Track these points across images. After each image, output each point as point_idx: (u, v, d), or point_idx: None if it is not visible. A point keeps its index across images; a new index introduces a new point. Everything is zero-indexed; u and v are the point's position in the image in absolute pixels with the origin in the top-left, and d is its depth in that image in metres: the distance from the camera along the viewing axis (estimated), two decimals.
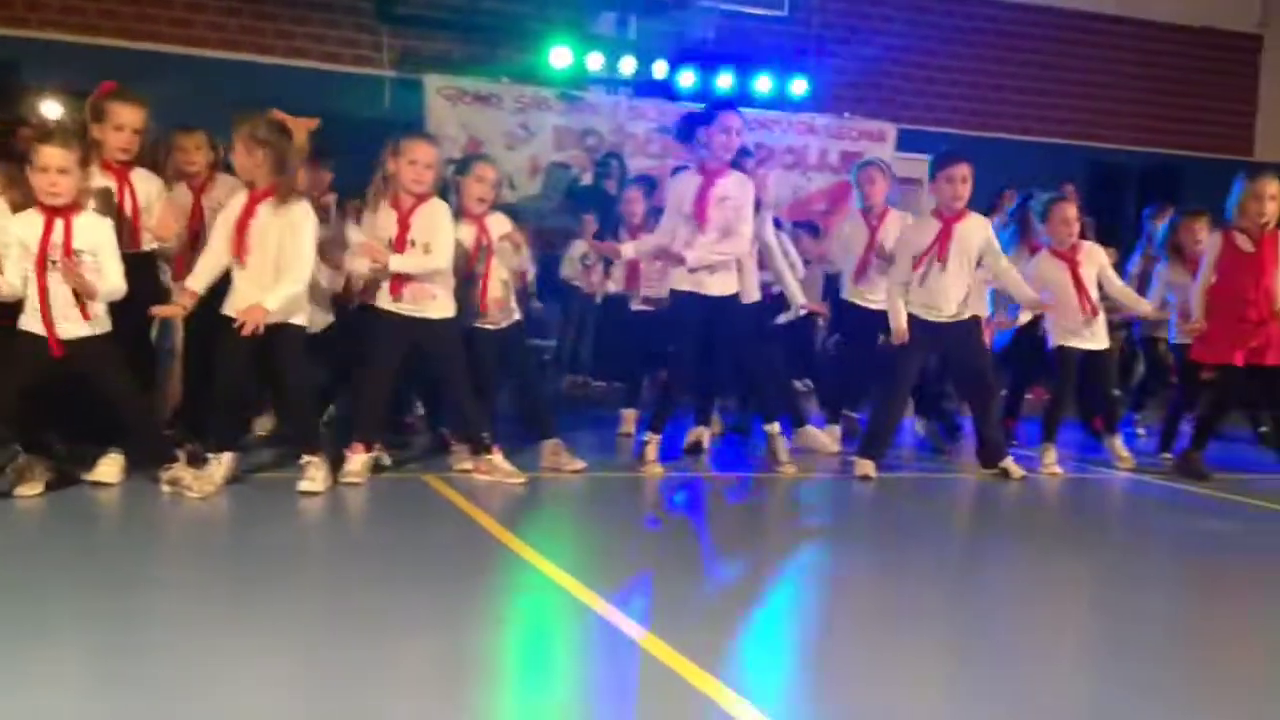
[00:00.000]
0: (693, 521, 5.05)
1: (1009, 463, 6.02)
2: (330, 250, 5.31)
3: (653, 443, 5.72)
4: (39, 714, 2.49)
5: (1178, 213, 7.07)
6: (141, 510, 4.52)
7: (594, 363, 9.60)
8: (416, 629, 3.16)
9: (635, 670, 2.98)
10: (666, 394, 5.87)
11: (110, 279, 4.47)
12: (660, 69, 10.55)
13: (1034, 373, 7.17)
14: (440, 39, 10.76)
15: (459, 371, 5.18)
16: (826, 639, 3.35)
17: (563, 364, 9.76)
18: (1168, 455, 6.82)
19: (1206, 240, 6.53)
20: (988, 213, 6.83)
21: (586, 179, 10.13)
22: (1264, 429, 7.21)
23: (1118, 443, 6.68)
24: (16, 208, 4.49)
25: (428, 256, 5.03)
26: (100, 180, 4.73)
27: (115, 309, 4.54)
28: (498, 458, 5.25)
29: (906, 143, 11.40)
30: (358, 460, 5.04)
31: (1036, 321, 6.68)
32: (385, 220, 5.08)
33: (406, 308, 5.07)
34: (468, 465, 5.37)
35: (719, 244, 5.50)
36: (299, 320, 4.82)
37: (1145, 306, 6.56)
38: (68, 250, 4.37)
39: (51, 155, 4.32)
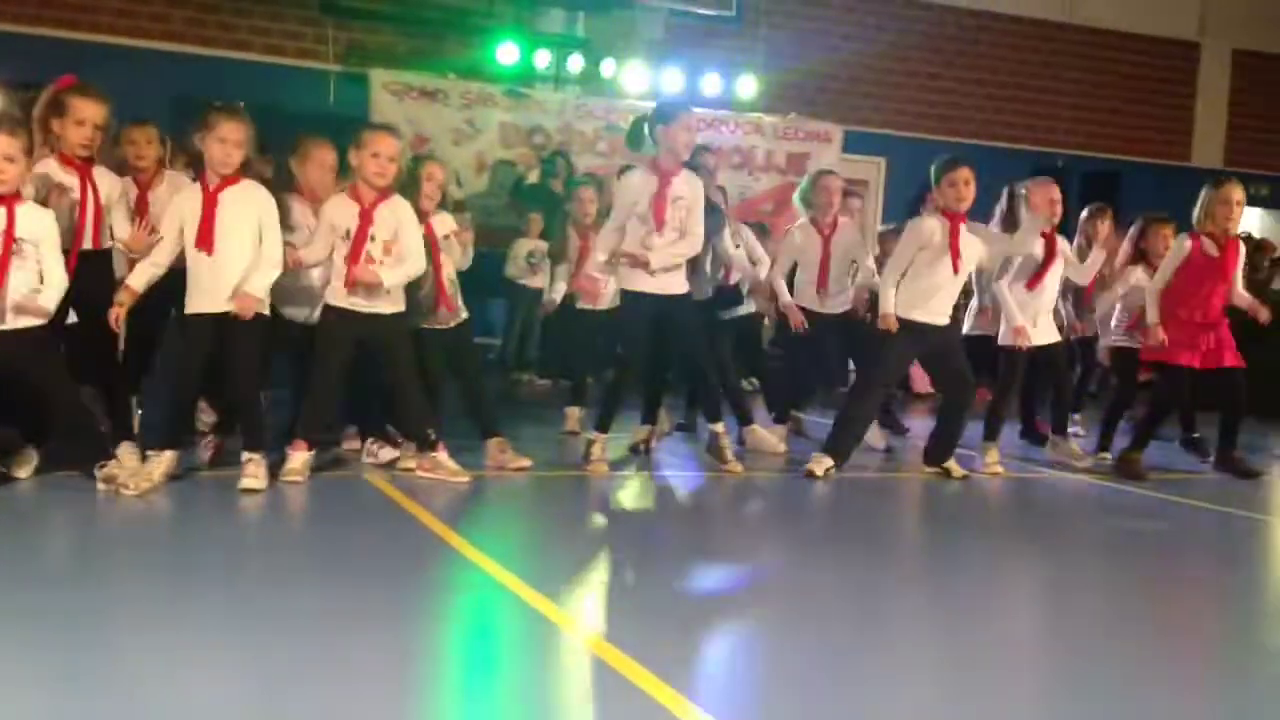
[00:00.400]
0: (639, 521, 5.03)
1: (951, 463, 6.08)
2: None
3: (599, 441, 5.70)
4: None
5: (1146, 218, 7.18)
6: (80, 508, 4.43)
7: (539, 361, 9.59)
8: (359, 628, 3.12)
9: (578, 669, 2.97)
10: (613, 393, 5.86)
11: (51, 273, 4.40)
12: (608, 68, 10.53)
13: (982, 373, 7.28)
14: (386, 33, 10.68)
15: (410, 368, 5.14)
16: (768, 637, 3.35)
17: (507, 362, 9.74)
18: (1105, 455, 6.92)
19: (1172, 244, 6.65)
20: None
21: (533, 177, 10.10)
22: (1196, 434, 7.36)
23: (1073, 445, 6.79)
24: None
25: (410, 263, 5.03)
26: (61, 176, 4.66)
27: (82, 306, 4.49)
28: (441, 456, 5.20)
29: (853, 145, 11.49)
30: (299, 458, 4.97)
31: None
32: (343, 212, 5.00)
33: (360, 304, 5.02)
34: (410, 463, 5.32)
35: (676, 245, 5.50)
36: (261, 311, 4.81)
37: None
38: (9, 238, 4.28)
39: None
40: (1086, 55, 13.33)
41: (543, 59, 10.42)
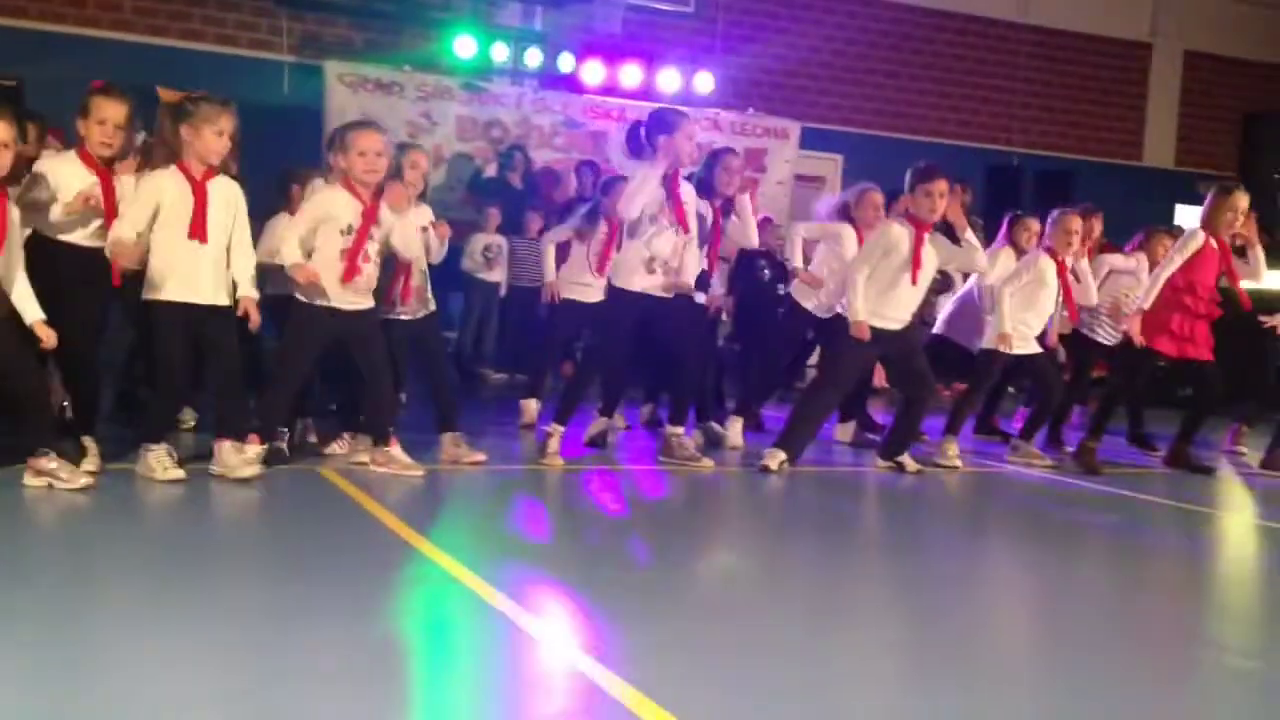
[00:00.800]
0: (593, 514, 5.01)
1: (905, 457, 6.11)
2: None
3: (555, 435, 5.69)
4: None
5: (1145, 228, 7.55)
6: (14, 504, 4.35)
7: (496, 354, 9.55)
8: (312, 624, 3.08)
9: (531, 662, 2.96)
10: (572, 386, 5.85)
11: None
12: (566, 61, 10.49)
13: (955, 370, 7.38)
14: (341, 25, 10.59)
15: (384, 362, 5.13)
16: (718, 628, 3.34)
17: (463, 356, 9.68)
18: (1069, 449, 7.03)
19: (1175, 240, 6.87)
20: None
21: (490, 171, 10.05)
22: (1142, 430, 7.49)
23: (1034, 448, 6.84)
24: None
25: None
26: (83, 174, 4.63)
27: (64, 305, 4.46)
28: (395, 450, 5.16)
29: (810, 141, 11.53)
30: (253, 450, 4.91)
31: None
32: (339, 206, 4.95)
33: (349, 301, 4.99)
34: (363, 457, 5.27)
35: (692, 248, 5.67)
36: (229, 301, 4.80)
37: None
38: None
39: None
40: (1040, 55, 13.46)
41: (500, 52, 10.36)
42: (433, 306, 5.60)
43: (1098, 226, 7.32)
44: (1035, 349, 6.62)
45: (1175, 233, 7.34)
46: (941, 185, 5.76)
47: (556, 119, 10.36)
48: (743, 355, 7.85)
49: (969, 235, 5.94)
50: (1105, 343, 7.27)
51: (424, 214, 5.49)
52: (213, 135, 4.62)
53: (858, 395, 7.16)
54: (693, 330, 5.87)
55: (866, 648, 3.28)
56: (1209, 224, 6.59)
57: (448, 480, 5.26)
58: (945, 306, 7.43)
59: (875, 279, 5.83)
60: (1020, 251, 7.02)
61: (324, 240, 4.91)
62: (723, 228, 6.38)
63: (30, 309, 4.35)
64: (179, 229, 4.62)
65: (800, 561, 4.29)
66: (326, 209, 4.94)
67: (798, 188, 11.35)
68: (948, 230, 6.03)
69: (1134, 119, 14.09)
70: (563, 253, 6.82)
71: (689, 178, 5.82)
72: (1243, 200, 6.55)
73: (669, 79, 10.84)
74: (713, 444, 6.48)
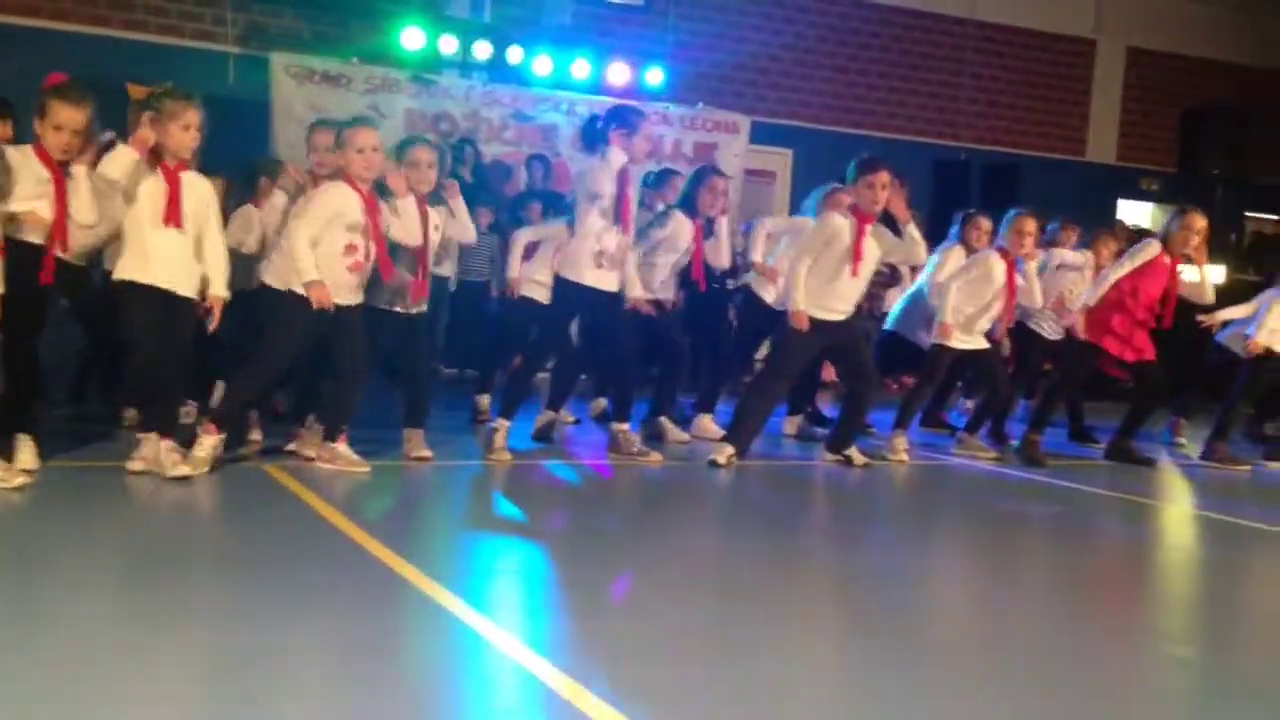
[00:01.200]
0: (541, 510, 5.01)
1: (853, 450, 6.16)
2: None
3: (502, 429, 5.68)
4: None
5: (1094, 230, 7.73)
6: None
7: (446, 350, 9.50)
8: (254, 624, 3.06)
9: (477, 660, 2.95)
10: (517, 380, 5.84)
11: None
12: (515, 54, 10.44)
13: (904, 365, 7.47)
14: (287, 16, 10.45)
15: (364, 358, 5.14)
16: (665, 625, 3.36)
17: None
18: (1012, 443, 7.13)
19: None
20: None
21: None
22: (1080, 424, 7.63)
23: (979, 441, 6.94)
24: None
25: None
26: (40, 173, 4.55)
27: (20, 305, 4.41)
28: (341, 446, 5.13)
29: (759, 135, 11.56)
30: (209, 443, 4.87)
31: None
32: (348, 203, 4.94)
33: (343, 295, 4.98)
34: (310, 453, 5.23)
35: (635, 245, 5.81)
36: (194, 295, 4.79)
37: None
38: None
39: None
40: (986, 50, 13.58)
41: (449, 44, 10.28)
42: (425, 306, 5.58)
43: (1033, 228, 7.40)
44: (983, 345, 6.70)
45: (1119, 232, 7.47)
46: (884, 177, 5.80)
47: (506, 112, 10.31)
48: (691, 350, 7.87)
49: (910, 228, 5.99)
50: (1050, 338, 7.37)
51: (435, 214, 5.50)
52: (179, 130, 4.62)
53: (807, 389, 7.22)
54: (627, 328, 5.86)
55: (813, 643, 3.31)
56: (1165, 240, 6.75)
57: (395, 477, 5.23)
58: (894, 301, 7.50)
59: (817, 270, 5.86)
60: (971, 250, 7.10)
61: (327, 238, 4.93)
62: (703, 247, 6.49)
63: None
64: (154, 216, 4.63)
65: (747, 556, 4.31)
66: (336, 207, 4.95)
67: (748, 182, 11.39)
68: (890, 223, 6.08)
69: (1078, 115, 14.26)
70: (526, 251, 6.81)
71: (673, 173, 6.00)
72: (1200, 222, 6.70)
73: (619, 72, 10.82)
74: (657, 438, 6.48)
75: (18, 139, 5.10)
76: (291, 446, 5.40)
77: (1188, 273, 6.89)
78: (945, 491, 6.14)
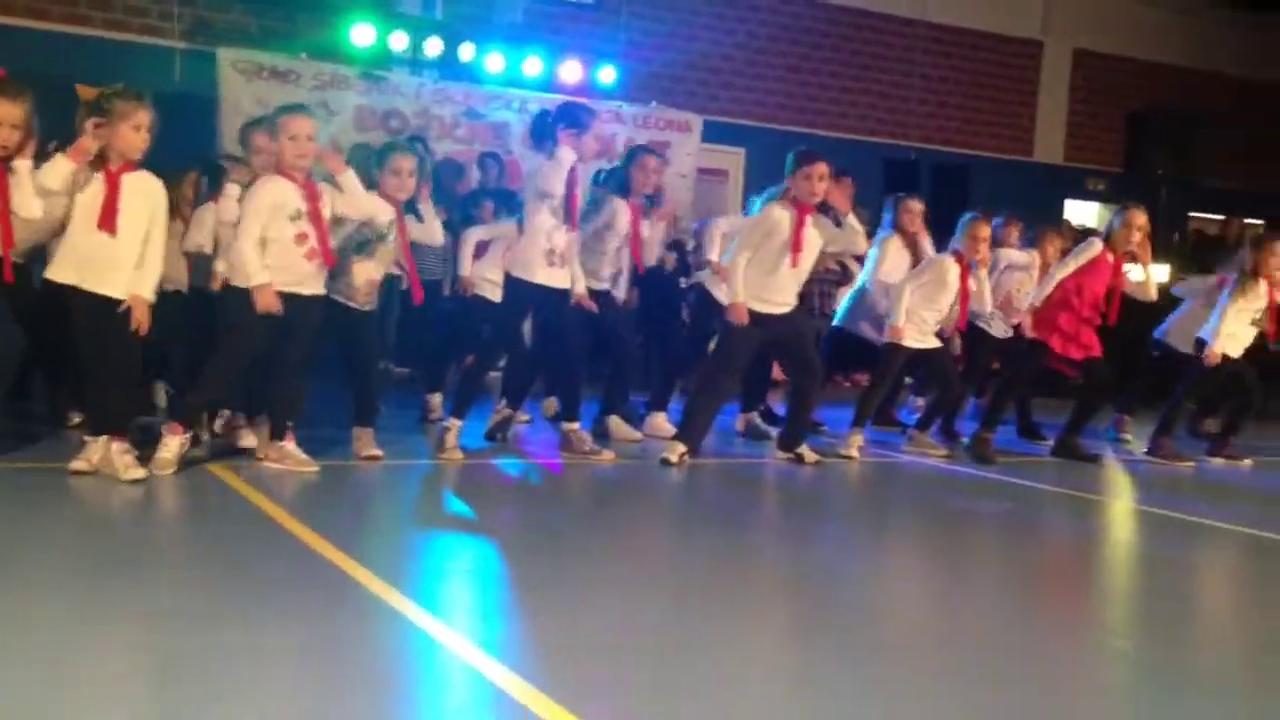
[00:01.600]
0: (493, 509, 4.98)
1: (804, 448, 6.19)
2: None
3: (454, 428, 5.65)
4: None
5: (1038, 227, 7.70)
6: None
7: (397, 349, 9.42)
8: (203, 627, 3.01)
9: (428, 662, 2.93)
10: (469, 379, 5.81)
11: None
12: (467, 51, 10.37)
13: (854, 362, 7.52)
14: (235, 11, 10.32)
15: (310, 353, 5.09)
16: (616, 624, 3.35)
17: None
18: (963, 440, 7.19)
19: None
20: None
21: None
22: (1028, 421, 7.72)
23: (924, 436, 6.99)
24: None
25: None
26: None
27: None
28: (289, 446, 5.08)
29: (712, 134, 11.58)
30: (175, 444, 4.81)
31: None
32: (284, 194, 4.88)
33: (304, 286, 4.94)
34: (258, 452, 5.17)
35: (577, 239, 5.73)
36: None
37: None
38: None
39: None
40: (935, 51, 13.70)
41: (399, 41, 10.19)
42: (375, 304, 5.53)
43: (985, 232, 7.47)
44: (935, 344, 6.75)
45: (1065, 231, 7.57)
46: (821, 168, 5.83)
47: (458, 110, 10.25)
48: (644, 347, 7.88)
49: (850, 219, 6.03)
50: (999, 336, 7.44)
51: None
52: (130, 131, 4.55)
53: (759, 387, 7.24)
54: (576, 326, 5.85)
55: (766, 641, 3.32)
56: (1108, 237, 6.85)
57: (345, 476, 5.18)
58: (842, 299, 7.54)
59: (757, 262, 5.88)
60: (904, 234, 7.18)
61: (276, 231, 4.87)
62: (640, 228, 6.47)
63: None
64: (88, 219, 4.55)
65: (700, 555, 4.31)
66: (271, 200, 4.88)
67: (700, 181, 11.40)
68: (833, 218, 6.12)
69: (1026, 115, 14.42)
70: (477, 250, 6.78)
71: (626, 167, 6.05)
72: (1141, 218, 6.81)
73: (572, 70, 10.79)
74: (605, 437, 6.47)
75: None
76: (244, 445, 5.34)
77: (1134, 272, 6.99)
78: (896, 489, 6.19)
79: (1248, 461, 7.38)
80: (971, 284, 6.67)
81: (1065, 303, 6.78)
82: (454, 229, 7.84)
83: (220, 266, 5.27)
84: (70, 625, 2.97)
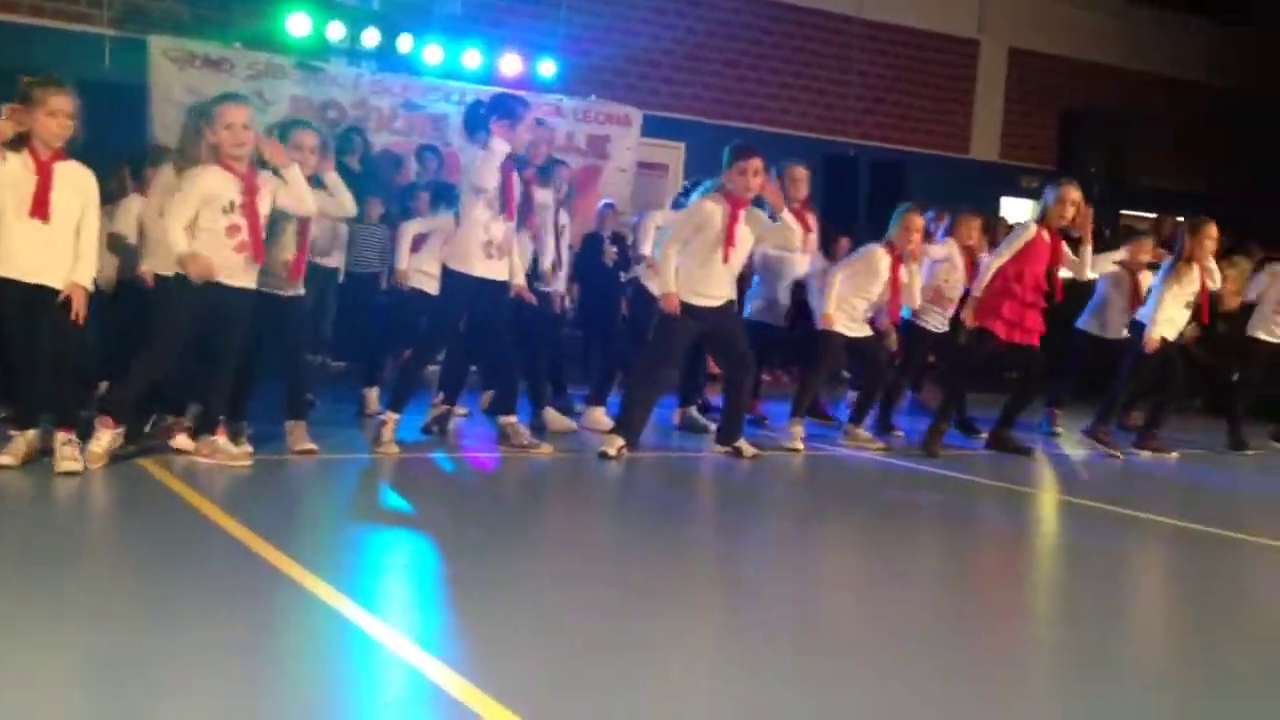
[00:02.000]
0: (430, 504, 4.94)
1: (742, 442, 6.21)
2: None
3: (390, 422, 5.60)
4: None
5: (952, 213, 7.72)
6: None
7: (334, 342, 9.32)
8: (134, 626, 2.96)
9: (366, 661, 2.90)
10: (406, 373, 5.77)
11: None
12: (405, 42, 10.27)
13: (785, 356, 7.54)
14: None
15: (242, 345, 5.03)
16: (554, 621, 3.34)
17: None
18: (898, 433, 7.27)
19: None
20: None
21: None
22: (963, 415, 7.81)
23: (860, 430, 7.04)
24: None
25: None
26: None
27: None
28: (221, 440, 5.00)
29: (651, 128, 11.58)
30: (107, 436, 4.72)
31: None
32: (220, 184, 4.82)
33: (235, 278, 4.87)
34: (188, 447, 5.09)
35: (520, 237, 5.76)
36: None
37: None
38: None
39: None
40: (873, 49, 13.80)
41: (336, 31, 10.07)
42: (302, 289, 5.44)
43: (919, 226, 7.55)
44: (866, 332, 6.81)
45: (983, 216, 7.62)
46: (756, 164, 5.85)
47: (396, 101, 10.14)
48: (584, 341, 7.87)
49: (785, 214, 6.06)
50: (935, 330, 7.51)
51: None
52: (46, 118, 4.48)
53: (695, 381, 7.25)
54: (509, 320, 5.83)
55: (705, 636, 3.32)
56: (1043, 215, 6.89)
57: (278, 471, 5.11)
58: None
59: (691, 256, 5.91)
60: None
61: (208, 221, 4.81)
62: (532, 198, 6.35)
63: None
64: (17, 207, 4.48)
65: (638, 549, 4.31)
66: (207, 189, 4.82)
67: (640, 175, 11.40)
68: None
69: (962, 113, 14.57)
70: (414, 243, 6.71)
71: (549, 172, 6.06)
72: (1074, 193, 6.85)
73: (511, 63, 10.72)
74: (540, 430, 6.45)
75: None
76: (177, 446, 5.25)
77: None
78: (832, 482, 6.23)
79: (1174, 454, 7.53)
80: (903, 275, 6.73)
81: (1006, 290, 6.79)
82: (392, 221, 7.77)
83: (146, 266, 5.21)
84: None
